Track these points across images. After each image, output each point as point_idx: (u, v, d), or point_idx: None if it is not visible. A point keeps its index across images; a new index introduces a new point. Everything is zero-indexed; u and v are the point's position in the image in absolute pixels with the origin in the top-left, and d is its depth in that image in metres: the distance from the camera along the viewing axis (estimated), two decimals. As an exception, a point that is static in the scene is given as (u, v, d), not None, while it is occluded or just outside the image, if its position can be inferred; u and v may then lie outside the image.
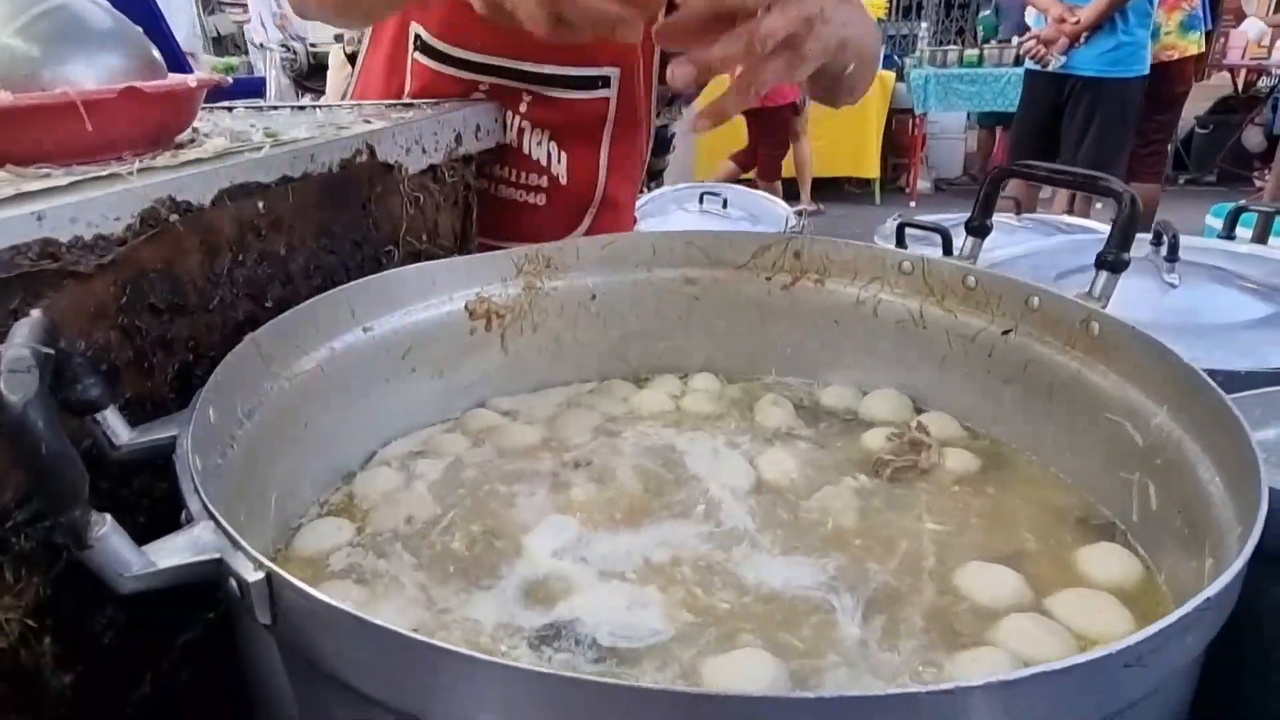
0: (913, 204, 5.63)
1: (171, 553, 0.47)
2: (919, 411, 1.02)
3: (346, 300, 0.87)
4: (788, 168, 5.22)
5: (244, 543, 0.46)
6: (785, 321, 1.09)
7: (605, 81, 1.28)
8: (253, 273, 0.80)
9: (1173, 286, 1.25)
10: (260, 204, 0.80)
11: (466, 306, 1.00)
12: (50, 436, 0.41)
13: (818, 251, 1.06)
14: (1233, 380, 1.02)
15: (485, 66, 1.24)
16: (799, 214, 2.50)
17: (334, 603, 0.43)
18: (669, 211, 2.60)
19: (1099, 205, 4.65)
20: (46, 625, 0.57)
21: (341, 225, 0.92)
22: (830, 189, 5.60)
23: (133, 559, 0.45)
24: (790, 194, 5.23)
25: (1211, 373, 1.02)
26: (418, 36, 1.25)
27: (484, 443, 0.96)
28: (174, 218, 0.70)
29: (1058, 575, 0.73)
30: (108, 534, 0.44)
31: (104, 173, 0.68)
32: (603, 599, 0.70)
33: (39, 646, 0.56)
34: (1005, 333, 0.92)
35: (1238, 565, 0.45)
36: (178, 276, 0.71)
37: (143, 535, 0.53)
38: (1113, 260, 0.84)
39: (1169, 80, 4.64)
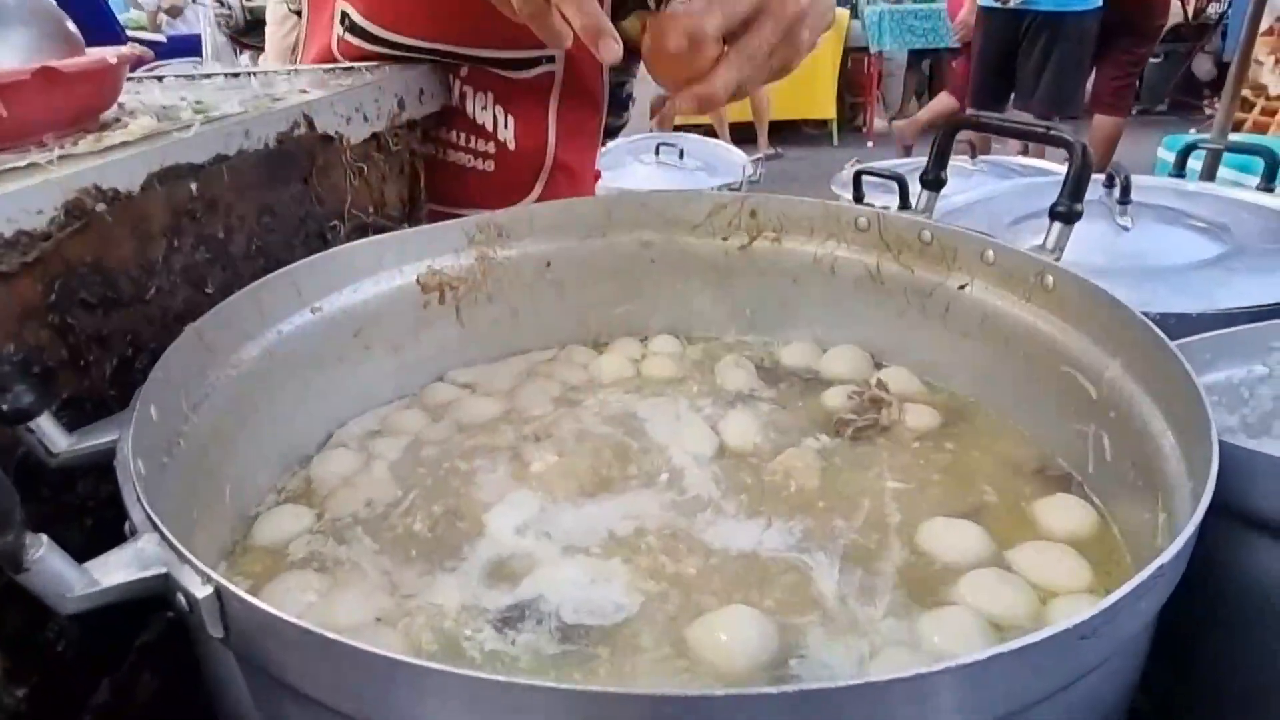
0: (870, 144, 5.61)
1: (115, 569, 0.45)
2: (879, 367, 1.02)
3: (292, 281, 0.84)
4: (744, 112, 5.17)
5: (191, 556, 0.44)
6: (744, 281, 1.08)
7: (549, 59, 1.24)
8: (190, 259, 0.77)
9: (1125, 229, 1.26)
10: (193, 186, 0.76)
11: (418, 280, 0.98)
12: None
13: (773, 209, 1.05)
14: (1184, 323, 1.05)
15: (418, 49, 1.19)
16: (756, 161, 2.47)
17: (285, 616, 0.42)
18: (625, 164, 2.56)
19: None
20: (-6, 639, 0.56)
21: (283, 203, 0.89)
22: (787, 131, 5.55)
23: (74, 579, 0.44)
24: (748, 138, 5.18)
25: (1163, 316, 1.05)
26: (345, 15, 1.19)
27: (443, 418, 0.95)
28: (101, 207, 0.66)
29: (1017, 528, 0.74)
30: (44, 556, 0.42)
31: (21, 163, 0.64)
32: (566, 575, 0.70)
33: (-12, 661, 0.55)
34: (961, 287, 0.92)
35: (1189, 530, 0.46)
36: (109, 269, 0.68)
37: (91, 539, 0.51)
38: (1065, 212, 0.84)
39: (1149, 13, 4.61)
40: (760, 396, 0.97)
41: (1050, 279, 0.82)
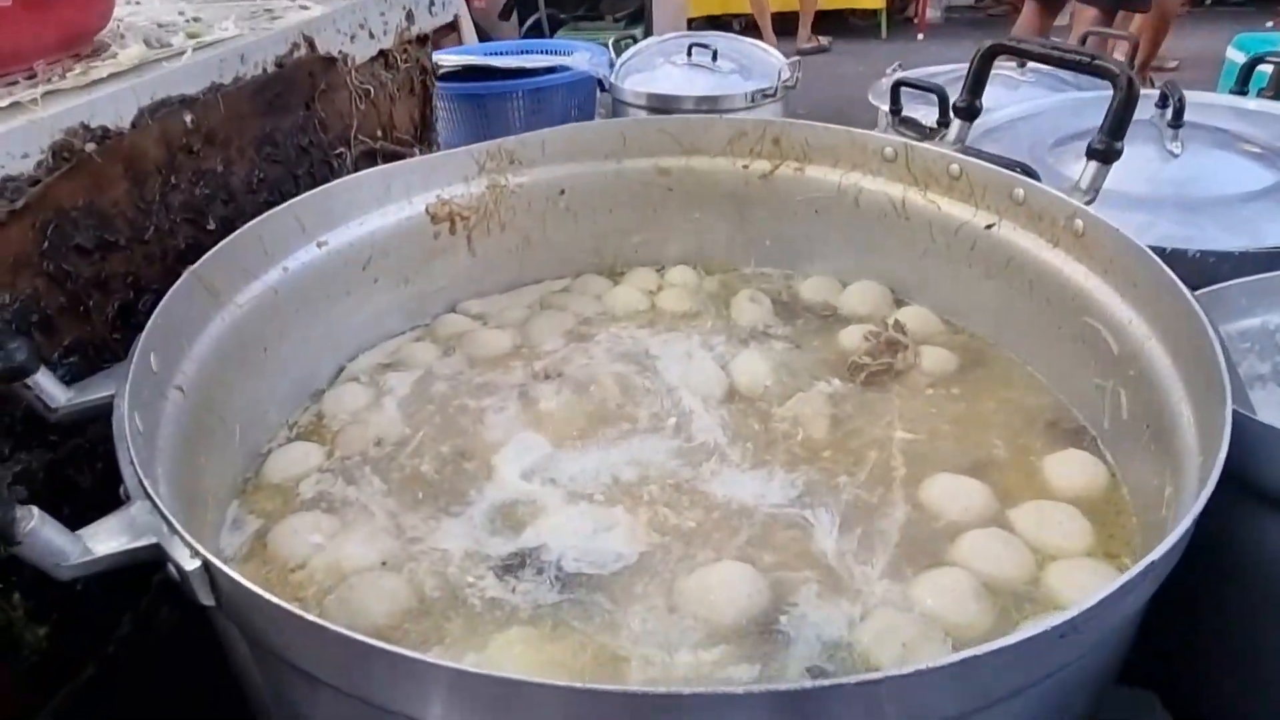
0: (920, 36, 5.30)
1: (108, 537, 0.46)
2: (899, 304, 0.99)
3: (295, 216, 0.83)
4: (789, 1, 4.89)
5: (180, 528, 0.45)
6: (764, 211, 1.04)
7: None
8: (189, 195, 0.75)
9: (1174, 155, 1.18)
10: (188, 118, 0.74)
11: (427, 210, 0.96)
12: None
13: (797, 137, 1.00)
14: (1225, 263, 0.99)
15: None
16: (794, 64, 2.35)
17: (267, 596, 0.42)
18: (655, 66, 2.44)
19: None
20: (13, 582, 0.58)
21: (284, 131, 0.87)
22: (833, 22, 5.26)
23: (68, 548, 0.45)
24: (791, 29, 4.93)
25: (1203, 255, 0.99)
26: None
27: (454, 351, 0.94)
28: (90, 147, 0.65)
29: (1024, 484, 0.73)
30: (36, 528, 0.43)
31: (4, 102, 0.63)
32: (568, 523, 0.70)
33: (9, 603, 0.57)
34: (988, 226, 0.88)
35: (1182, 527, 0.44)
36: (104, 211, 0.67)
37: (103, 480, 0.52)
38: (1104, 150, 0.79)
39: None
40: (775, 334, 0.95)
41: (1080, 224, 0.77)
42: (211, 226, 0.77)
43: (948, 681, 0.38)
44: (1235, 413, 0.55)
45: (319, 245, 0.86)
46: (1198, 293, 0.80)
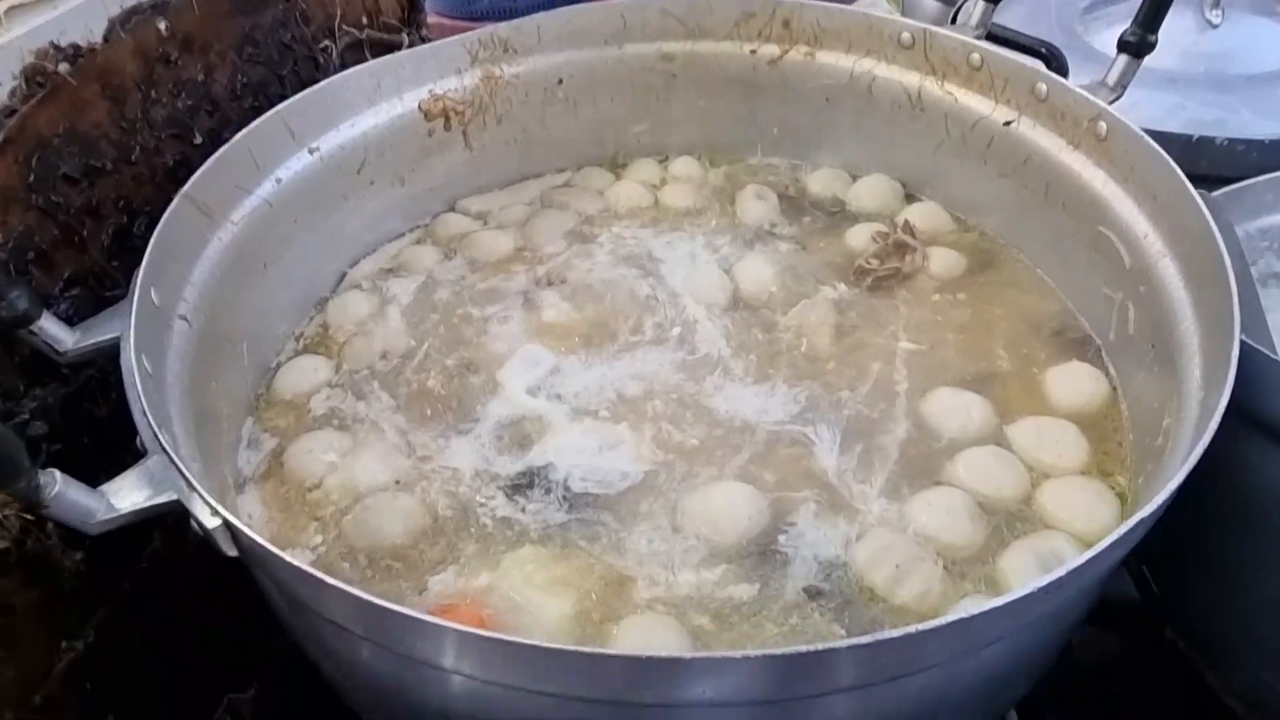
0: None
1: (130, 492, 0.48)
2: (909, 199, 0.96)
3: (283, 122, 0.80)
4: None
5: (200, 488, 0.47)
6: (772, 98, 0.99)
7: None
8: (171, 109, 0.72)
9: (1212, 25, 1.11)
10: (162, 25, 0.70)
11: (420, 107, 0.92)
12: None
13: (809, 19, 0.94)
14: (1254, 151, 0.96)
15: None
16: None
17: (285, 557, 0.44)
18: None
19: None
20: (44, 514, 0.61)
21: (264, 29, 0.82)
22: None
23: (93, 506, 0.46)
24: None
25: (1231, 143, 0.96)
26: None
27: (455, 254, 0.93)
28: (64, 68, 0.62)
29: (1025, 398, 0.74)
30: (60, 491, 0.45)
31: (-35, 25, 0.59)
32: (574, 440, 0.72)
33: (44, 533, 0.60)
34: (1007, 123, 0.84)
35: (1177, 480, 0.45)
36: (86, 136, 0.64)
37: (119, 408, 0.53)
38: (1135, 43, 0.74)
39: None
40: (781, 234, 0.93)
41: (1104, 127, 0.74)
42: (198, 140, 0.75)
43: (937, 639, 0.41)
44: (1244, 346, 0.54)
45: (310, 152, 0.83)
46: (1219, 192, 0.79)
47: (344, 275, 0.92)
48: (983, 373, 0.76)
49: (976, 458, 0.68)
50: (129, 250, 0.69)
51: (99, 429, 0.66)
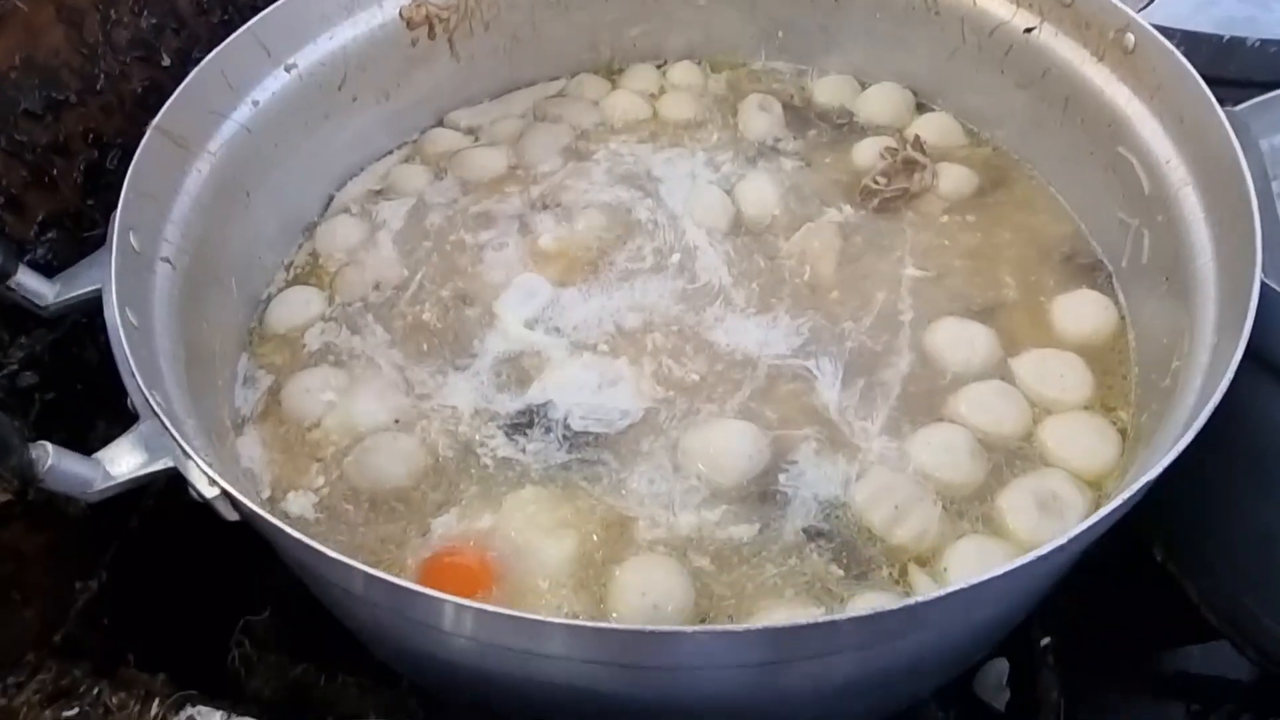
0: None
1: (126, 457, 0.47)
2: (920, 109, 0.92)
3: (256, 40, 0.75)
4: None
5: (196, 457, 0.46)
6: (777, -3, 0.93)
7: None
8: (135, 30, 0.68)
9: (1254, -93, 1.03)
10: None
11: (402, 14, 0.86)
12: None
13: (818, -89, 0.87)
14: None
15: None
16: None
17: (283, 526, 0.44)
18: None
19: None
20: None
21: (228, -68, 0.75)
22: None
23: (90, 475, 0.46)
24: None
25: (1264, 44, 0.90)
26: None
27: (446, 174, 0.90)
28: (12, -8, 0.57)
29: (1031, 328, 0.72)
30: (54, 464, 0.44)
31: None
32: (574, 376, 0.71)
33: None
34: (1028, 30, 0.79)
35: (1181, 445, 0.44)
36: (45, 65, 0.60)
37: (109, 352, 0.52)
38: (1172, -55, 0.68)
39: None
40: (785, 150, 0.90)
41: (1131, 39, 0.69)
42: (166, 62, 0.71)
43: (933, 612, 0.41)
44: (1264, 289, 0.53)
45: (288, 70, 0.79)
46: (1249, 103, 0.75)
47: (331, 198, 0.88)
48: (989, 301, 0.74)
49: (979, 393, 0.67)
50: (104, 186, 0.66)
51: (91, 374, 0.65)
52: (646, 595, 0.57)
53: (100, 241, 0.65)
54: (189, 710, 0.58)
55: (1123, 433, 0.65)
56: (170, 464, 0.47)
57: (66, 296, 0.56)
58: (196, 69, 0.69)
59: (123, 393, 0.54)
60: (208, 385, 0.68)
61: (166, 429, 0.47)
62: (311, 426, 0.70)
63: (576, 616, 0.57)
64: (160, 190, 0.65)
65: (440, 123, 0.95)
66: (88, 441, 0.65)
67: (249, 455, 0.68)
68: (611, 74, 1.00)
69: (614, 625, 0.48)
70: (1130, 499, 0.44)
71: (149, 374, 0.52)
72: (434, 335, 0.76)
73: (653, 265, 0.79)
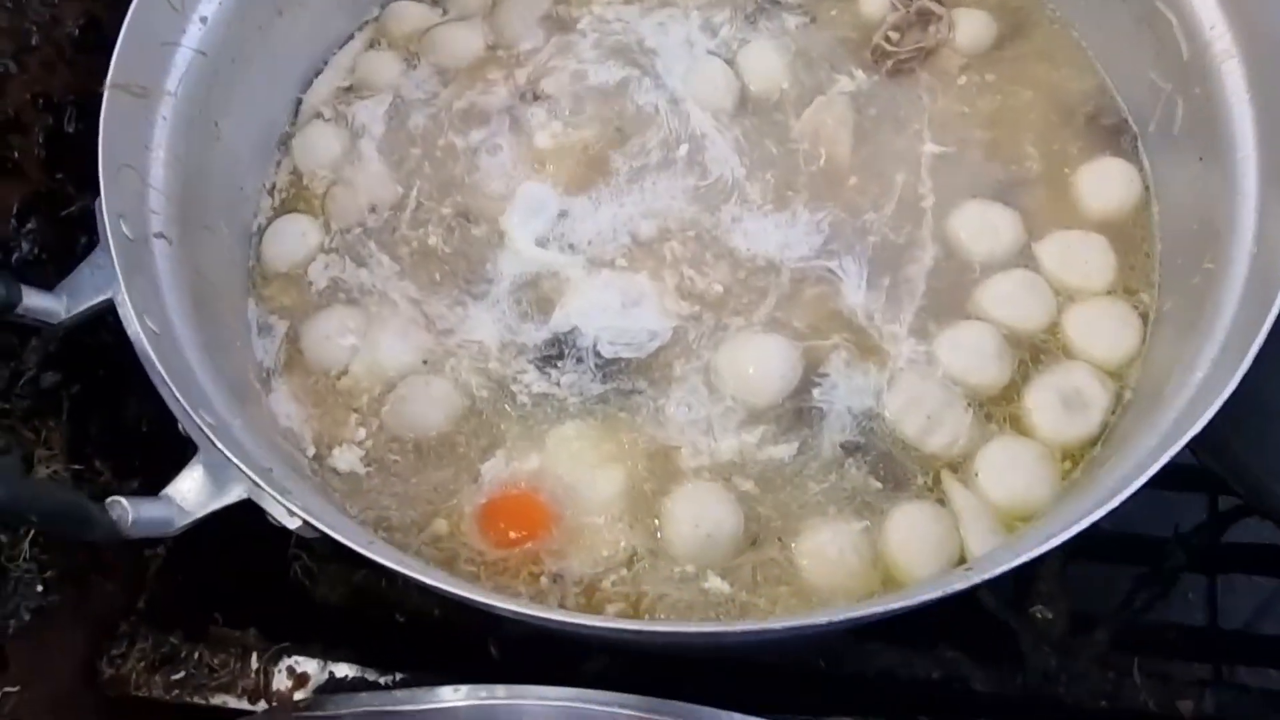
0: None
1: (198, 493, 0.48)
2: (934, -65, 0.83)
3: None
4: None
5: (274, 493, 0.46)
6: None
7: None
8: None
9: None
10: None
11: (342, -125, 0.74)
12: (30, 500, 0.38)
13: None
14: None
15: None
16: None
17: (373, 555, 0.45)
18: None
19: None
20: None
21: None
22: None
23: (168, 515, 0.47)
24: None
25: None
26: None
27: (419, 60, 0.82)
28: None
29: (1055, 206, 0.71)
30: (135, 519, 0.44)
31: None
32: (595, 297, 0.70)
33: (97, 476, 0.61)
34: None
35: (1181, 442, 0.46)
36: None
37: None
38: None
39: None
40: (787, 2, 0.82)
41: (1183, -127, 0.62)
42: (98, -8, 0.61)
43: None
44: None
45: (227, -24, 0.69)
46: None
47: (300, 102, 0.81)
48: (1012, 177, 0.73)
49: (1004, 287, 0.67)
50: (67, 151, 0.61)
51: (108, 356, 0.63)
52: (699, 526, 0.61)
53: (79, 218, 0.61)
54: (287, 660, 0.63)
55: (1144, 317, 0.66)
56: (244, 495, 0.48)
57: (76, 311, 0.53)
58: (134, 3, 0.60)
59: (142, 370, 0.53)
60: (226, 345, 0.66)
61: (232, 461, 0.47)
62: (340, 375, 0.69)
63: (636, 552, 0.61)
64: (133, 155, 0.60)
65: (400, -8, 0.85)
66: (124, 421, 0.65)
67: (285, 414, 0.68)
68: (584, -94, 0.88)
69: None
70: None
71: (190, 389, 0.51)
72: (444, 262, 0.73)
73: (660, 160, 0.75)
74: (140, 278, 0.55)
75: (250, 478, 0.46)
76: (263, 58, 0.75)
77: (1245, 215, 0.57)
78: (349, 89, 0.82)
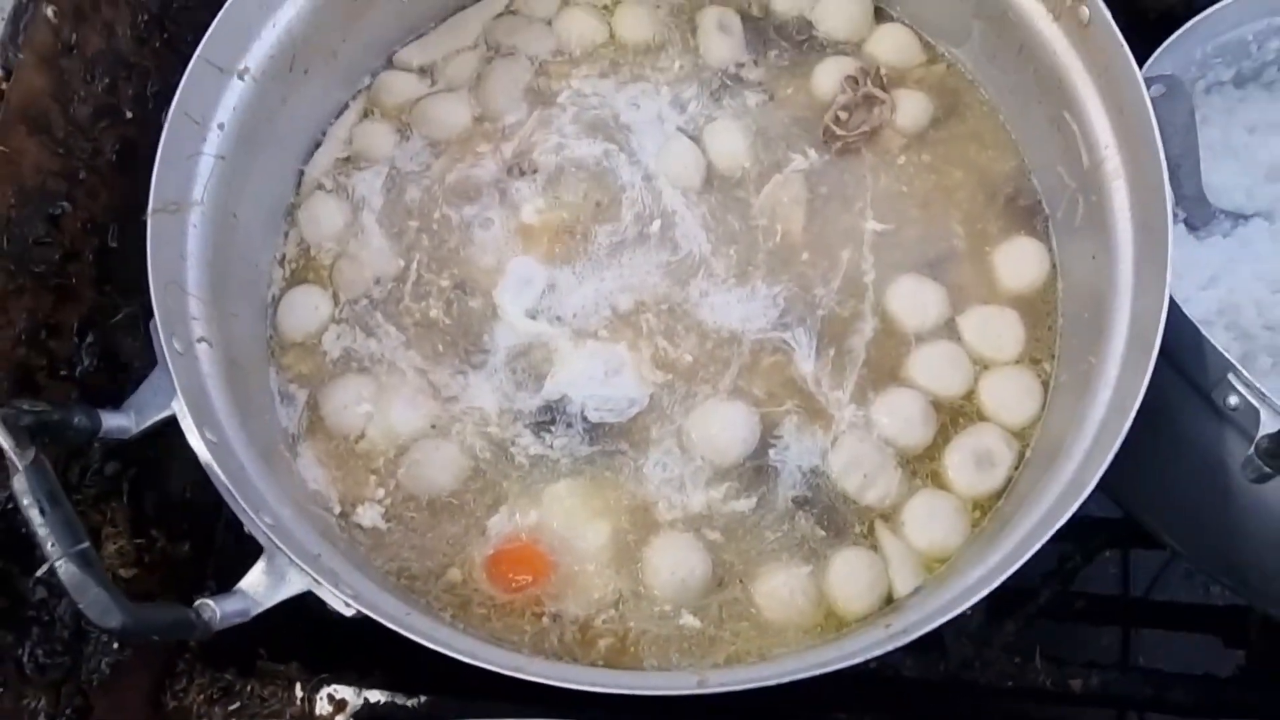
0: None
1: (268, 588, 0.58)
2: (879, 14, 0.92)
3: (207, 64, 0.71)
4: None
5: (331, 588, 0.56)
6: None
7: None
8: (93, 99, 0.66)
9: None
10: (50, 11, 0.61)
11: (339, -26, 0.80)
12: (148, 623, 0.48)
13: None
14: None
15: None
16: None
17: (416, 638, 0.56)
18: None
19: None
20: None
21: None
22: None
23: (246, 606, 0.57)
24: None
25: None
26: None
27: (410, 130, 0.89)
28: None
29: (976, 281, 0.82)
30: (219, 615, 0.54)
31: None
32: (581, 367, 0.80)
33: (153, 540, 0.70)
34: (989, -31, 0.79)
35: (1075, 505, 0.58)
36: (35, 188, 0.60)
37: None
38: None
39: None
40: (748, 79, 0.90)
41: (1086, 12, 0.72)
42: (129, 114, 0.69)
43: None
44: (1171, 305, 0.64)
45: (241, 77, 0.76)
46: (1199, 18, 0.79)
47: (301, 174, 0.88)
48: (941, 254, 0.83)
49: (930, 358, 0.79)
50: (113, 266, 0.68)
51: (157, 439, 0.72)
52: (675, 572, 0.73)
53: (126, 326, 0.69)
54: (327, 689, 0.75)
55: (1045, 385, 0.78)
56: (305, 589, 0.58)
57: (143, 426, 0.61)
58: (165, 126, 0.67)
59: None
60: (256, 413, 0.75)
61: (294, 563, 0.57)
62: (357, 439, 0.79)
63: (622, 594, 0.73)
64: (174, 270, 0.68)
65: (390, 63, 0.92)
66: (171, 492, 0.74)
67: (313, 477, 0.78)
68: (558, -21, 0.95)
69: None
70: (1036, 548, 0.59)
71: (248, 493, 0.61)
72: (444, 333, 0.82)
73: (636, 236, 0.84)
74: (194, 390, 0.64)
75: (310, 574, 0.57)
76: (271, 143, 0.81)
77: (1120, 318, 0.68)
78: (347, 159, 0.89)
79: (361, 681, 0.75)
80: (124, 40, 0.67)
